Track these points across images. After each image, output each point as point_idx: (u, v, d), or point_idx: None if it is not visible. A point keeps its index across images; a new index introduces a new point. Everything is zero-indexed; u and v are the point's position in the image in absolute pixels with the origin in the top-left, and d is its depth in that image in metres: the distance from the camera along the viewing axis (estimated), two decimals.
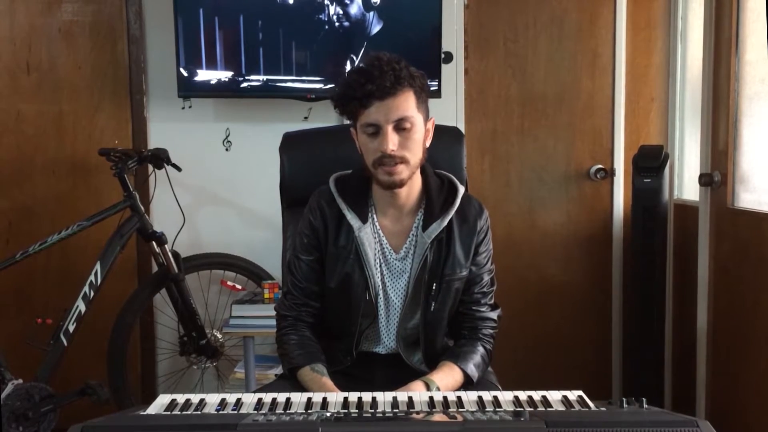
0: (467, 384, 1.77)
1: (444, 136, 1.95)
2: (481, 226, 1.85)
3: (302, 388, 1.71)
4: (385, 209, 1.81)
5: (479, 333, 1.85)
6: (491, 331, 1.87)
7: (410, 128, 1.69)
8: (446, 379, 1.73)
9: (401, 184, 1.73)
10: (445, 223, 1.79)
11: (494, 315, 1.88)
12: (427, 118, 1.76)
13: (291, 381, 1.80)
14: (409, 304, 1.81)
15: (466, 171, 2.08)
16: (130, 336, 3.04)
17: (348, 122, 1.79)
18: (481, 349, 1.83)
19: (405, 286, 1.82)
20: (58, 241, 2.81)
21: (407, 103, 1.69)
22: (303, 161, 2.04)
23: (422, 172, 1.80)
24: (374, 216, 1.81)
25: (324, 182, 1.86)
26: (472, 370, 1.77)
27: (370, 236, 1.79)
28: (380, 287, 1.81)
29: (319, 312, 1.87)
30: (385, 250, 1.81)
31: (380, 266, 1.81)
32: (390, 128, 1.67)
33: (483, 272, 1.86)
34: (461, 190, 1.84)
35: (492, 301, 1.90)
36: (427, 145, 1.77)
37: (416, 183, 1.79)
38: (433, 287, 1.79)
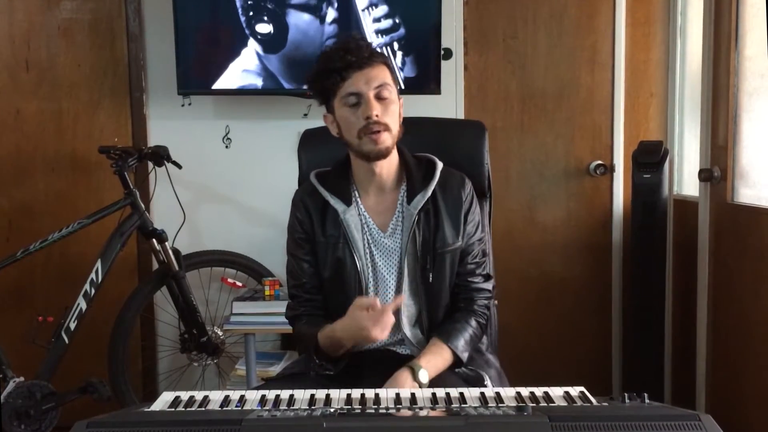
0: (458, 362, 1.77)
1: (466, 129, 1.88)
2: (466, 195, 1.86)
3: (305, 385, 1.59)
4: (367, 187, 1.83)
5: (474, 305, 1.86)
6: (485, 302, 1.89)
7: (389, 97, 1.74)
8: (434, 359, 1.73)
9: (387, 152, 1.75)
10: (429, 193, 1.81)
11: (488, 285, 1.91)
12: (398, 97, 1.79)
13: (301, 376, 1.77)
14: (409, 282, 1.81)
15: (488, 166, 2.05)
16: (131, 334, 3.04)
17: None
18: (473, 323, 1.84)
19: (397, 264, 1.82)
20: (59, 239, 2.82)
21: (384, 73, 1.75)
22: (321, 158, 2.01)
23: (398, 150, 1.82)
24: (358, 198, 1.83)
25: None
26: (462, 348, 1.78)
27: (356, 218, 1.81)
28: (370, 269, 1.82)
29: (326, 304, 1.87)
30: (372, 230, 1.82)
31: (369, 247, 1.82)
32: (372, 95, 1.72)
33: (473, 242, 1.87)
34: (440, 163, 1.86)
35: (485, 272, 1.91)
36: (401, 121, 1.80)
37: (394, 158, 1.81)
38: (427, 261, 1.80)
